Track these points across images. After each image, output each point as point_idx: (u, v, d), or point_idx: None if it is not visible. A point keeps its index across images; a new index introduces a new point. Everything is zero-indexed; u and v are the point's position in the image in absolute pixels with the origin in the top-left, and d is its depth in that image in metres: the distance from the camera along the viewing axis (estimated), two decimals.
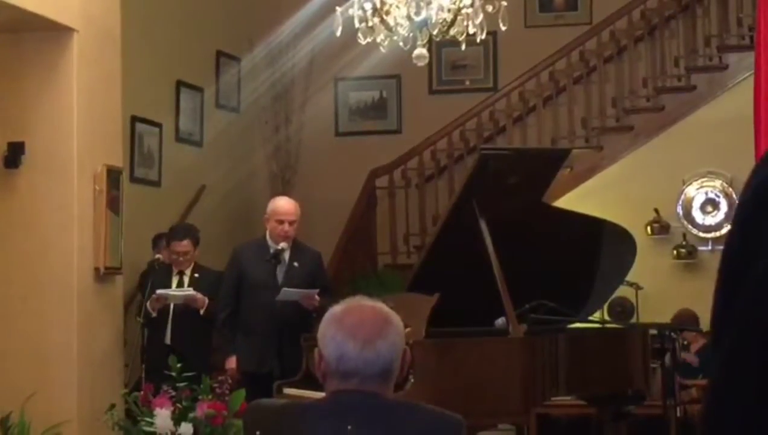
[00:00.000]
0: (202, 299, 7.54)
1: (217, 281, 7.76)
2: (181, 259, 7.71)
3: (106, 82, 7.37)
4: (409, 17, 6.64)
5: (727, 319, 1.27)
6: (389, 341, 2.68)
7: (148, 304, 7.46)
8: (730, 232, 1.33)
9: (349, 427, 2.62)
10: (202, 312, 7.56)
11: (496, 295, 5.52)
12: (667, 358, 6.52)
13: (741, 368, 1.24)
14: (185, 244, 7.70)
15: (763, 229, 1.23)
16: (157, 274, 7.70)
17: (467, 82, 11.52)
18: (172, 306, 7.59)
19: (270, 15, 11.09)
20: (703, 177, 9.65)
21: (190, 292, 7.55)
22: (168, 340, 7.62)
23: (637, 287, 8.87)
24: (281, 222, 7.14)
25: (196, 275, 7.75)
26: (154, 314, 7.48)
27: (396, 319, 2.74)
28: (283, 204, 7.27)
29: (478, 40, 6.85)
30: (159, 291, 7.47)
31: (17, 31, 7.03)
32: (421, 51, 6.76)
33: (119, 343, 7.54)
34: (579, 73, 10.52)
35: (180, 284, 7.72)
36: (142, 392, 6.21)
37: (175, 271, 7.76)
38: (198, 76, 10.59)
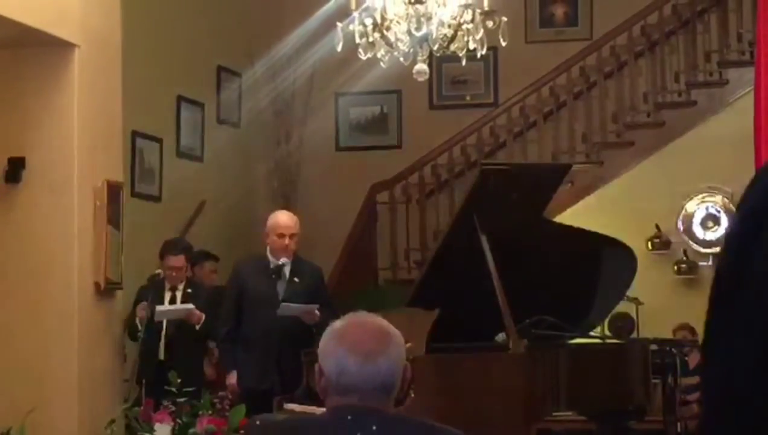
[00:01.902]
0: (199, 315, 7.52)
1: (209, 296, 7.75)
2: (174, 274, 7.69)
3: (106, 97, 7.38)
4: (409, 32, 6.65)
5: (721, 331, 1.27)
6: (390, 356, 2.67)
7: (138, 311, 7.44)
8: (725, 245, 1.32)
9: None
10: (198, 327, 7.55)
11: (497, 310, 5.52)
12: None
13: (736, 382, 1.23)
14: (180, 259, 7.69)
15: (760, 241, 1.22)
16: (152, 290, 7.66)
17: (468, 98, 11.53)
18: (165, 321, 7.57)
19: (271, 30, 11.10)
20: (704, 192, 9.66)
21: (189, 307, 7.53)
22: (161, 355, 7.60)
23: (637, 302, 8.87)
24: (282, 236, 7.14)
25: (189, 290, 7.73)
26: (140, 326, 7.44)
27: (397, 334, 2.74)
28: (284, 219, 7.28)
29: (478, 56, 6.87)
30: (158, 308, 7.45)
31: (18, 46, 7.04)
32: (421, 66, 6.78)
33: (119, 358, 7.53)
34: (579, 89, 10.53)
35: (173, 300, 7.70)
36: (142, 407, 6.20)
37: (167, 286, 7.73)
38: (199, 91, 10.60)
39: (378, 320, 2.76)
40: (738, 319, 1.23)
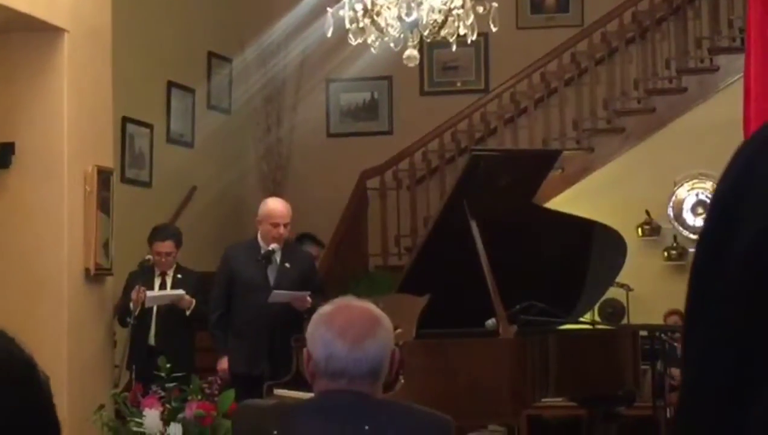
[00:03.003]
0: (189, 300, 7.52)
1: (199, 282, 7.75)
2: (163, 259, 7.68)
3: (96, 82, 7.36)
4: (399, 18, 6.63)
5: (700, 313, 1.26)
6: (378, 341, 2.68)
7: (133, 294, 7.43)
8: (706, 220, 1.31)
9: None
10: (188, 313, 7.54)
11: (487, 296, 5.52)
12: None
13: (714, 365, 1.23)
14: (168, 245, 7.68)
15: (740, 216, 1.22)
16: (141, 276, 7.65)
17: (458, 84, 11.53)
18: (155, 307, 7.57)
19: (261, 16, 11.08)
20: (695, 178, 9.66)
21: (180, 292, 7.53)
22: (152, 340, 7.60)
23: (627, 289, 8.87)
24: (276, 225, 7.12)
25: (179, 276, 7.73)
26: (134, 312, 7.43)
27: (385, 319, 2.74)
28: (278, 207, 7.24)
29: (469, 42, 6.85)
30: (149, 293, 7.44)
31: (7, 31, 7.01)
32: (411, 52, 6.76)
33: (109, 344, 7.53)
34: (570, 75, 10.52)
35: (162, 285, 7.69)
36: (131, 392, 6.20)
37: (157, 272, 7.73)
38: (189, 77, 10.58)
39: (366, 305, 2.76)
40: (715, 303, 1.23)
